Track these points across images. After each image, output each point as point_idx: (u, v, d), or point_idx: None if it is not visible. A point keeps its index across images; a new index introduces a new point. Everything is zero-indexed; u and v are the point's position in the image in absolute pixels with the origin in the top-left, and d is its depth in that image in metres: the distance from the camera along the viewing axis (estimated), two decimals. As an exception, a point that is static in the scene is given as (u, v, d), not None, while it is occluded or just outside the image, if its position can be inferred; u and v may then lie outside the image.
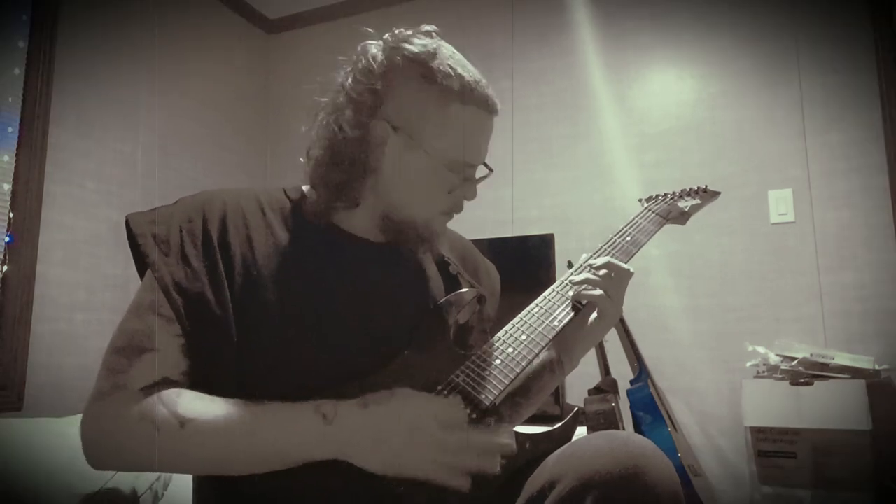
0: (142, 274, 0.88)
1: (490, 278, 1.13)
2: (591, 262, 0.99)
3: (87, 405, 0.80)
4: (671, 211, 1.18)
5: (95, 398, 0.79)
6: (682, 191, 1.25)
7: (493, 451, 0.75)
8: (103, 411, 0.78)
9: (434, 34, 0.91)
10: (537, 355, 0.88)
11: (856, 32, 2.35)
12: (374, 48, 0.91)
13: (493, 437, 0.76)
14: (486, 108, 0.90)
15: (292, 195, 0.97)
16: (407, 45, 0.88)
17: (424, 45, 0.88)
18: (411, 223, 0.92)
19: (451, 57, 0.89)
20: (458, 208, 0.95)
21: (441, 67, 0.87)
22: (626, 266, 0.97)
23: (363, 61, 0.90)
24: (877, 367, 2.07)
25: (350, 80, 0.91)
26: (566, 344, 1.01)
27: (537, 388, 1.02)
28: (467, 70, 0.89)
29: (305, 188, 0.98)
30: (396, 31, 0.91)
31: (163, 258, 0.84)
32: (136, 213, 0.89)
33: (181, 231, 0.86)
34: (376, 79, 0.88)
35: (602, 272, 0.96)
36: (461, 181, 0.92)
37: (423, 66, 0.87)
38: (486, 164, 0.94)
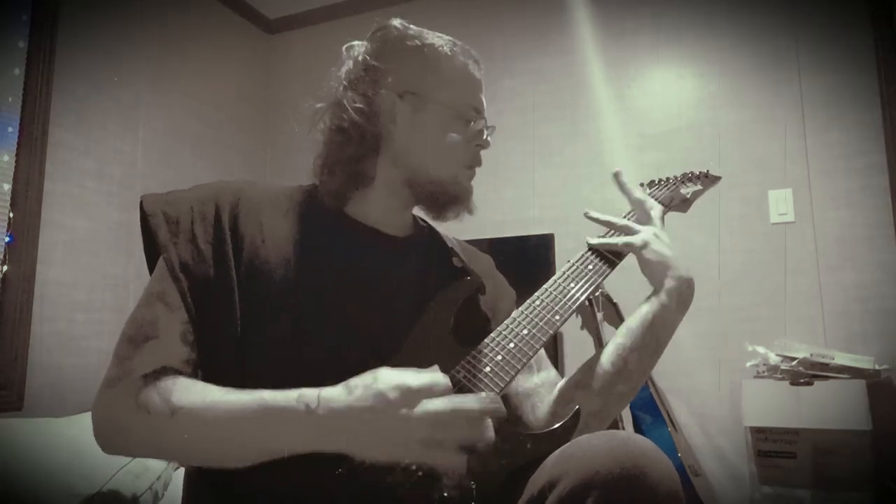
0: (150, 258, 0.89)
1: (508, 298, 1.13)
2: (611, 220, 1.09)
3: (98, 391, 0.81)
4: (673, 198, 1.16)
5: (105, 385, 0.81)
6: (683, 175, 1.21)
7: (484, 416, 0.70)
8: (110, 398, 0.80)
9: (405, 22, 0.99)
10: (538, 349, 0.88)
11: (856, 32, 2.35)
12: (357, 45, 0.99)
13: (482, 403, 0.71)
14: (472, 57, 0.99)
15: (306, 189, 0.99)
16: (386, 29, 0.97)
17: (400, 25, 0.97)
18: (439, 182, 0.95)
19: (423, 30, 0.98)
20: (478, 161, 0.99)
21: (422, 34, 0.96)
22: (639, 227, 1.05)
23: (352, 54, 0.97)
24: (877, 367, 2.07)
25: (344, 73, 0.96)
26: (654, 332, 1.00)
27: (664, 330, 1.01)
28: (441, 34, 0.98)
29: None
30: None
31: (171, 237, 0.85)
32: (151, 194, 0.90)
33: (192, 211, 0.88)
34: (369, 58, 0.95)
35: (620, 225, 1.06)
36: (475, 129, 0.97)
37: (406, 37, 0.95)
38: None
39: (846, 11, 2.37)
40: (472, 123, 0.97)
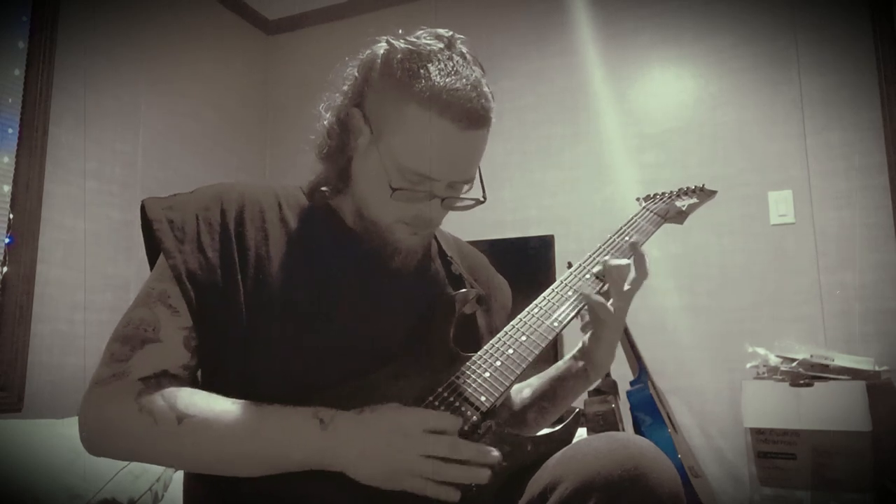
0: (152, 262, 0.88)
1: (502, 293, 1.12)
2: (610, 262, 0.95)
3: (86, 390, 0.80)
4: (669, 210, 1.17)
5: (95, 384, 0.80)
6: (679, 190, 1.25)
7: (480, 461, 0.74)
8: (102, 399, 0.78)
9: (445, 38, 0.87)
10: (536, 356, 0.88)
11: (856, 32, 2.35)
12: (380, 43, 0.89)
13: (480, 448, 0.75)
14: (457, 119, 0.81)
15: (308, 192, 0.97)
16: (399, 42, 0.86)
17: (416, 45, 0.85)
18: (376, 224, 0.89)
19: (441, 61, 0.83)
20: (422, 224, 0.88)
21: (413, 66, 0.82)
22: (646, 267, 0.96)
23: (364, 53, 0.90)
24: (877, 367, 2.07)
25: (348, 69, 0.91)
26: (589, 355, 0.99)
27: (563, 393, 1.01)
28: (449, 77, 0.82)
29: (324, 188, 0.98)
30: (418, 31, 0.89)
31: (178, 245, 0.84)
32: (153, 199, 0.88)
33: (198, 219, 0.86)
34: (360, 68, 0.89)
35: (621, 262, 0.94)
36: (417, 194, 0.85)
37: (399, 62, 0.83)
38: (483, 192, 0.90)
39: (846, 11, 2.37)
40: (425, 188, 0.84)
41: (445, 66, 0.83)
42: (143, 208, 0.87)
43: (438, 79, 0.81)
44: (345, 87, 0.91)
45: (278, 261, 0.86)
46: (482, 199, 0.90)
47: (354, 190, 0.91)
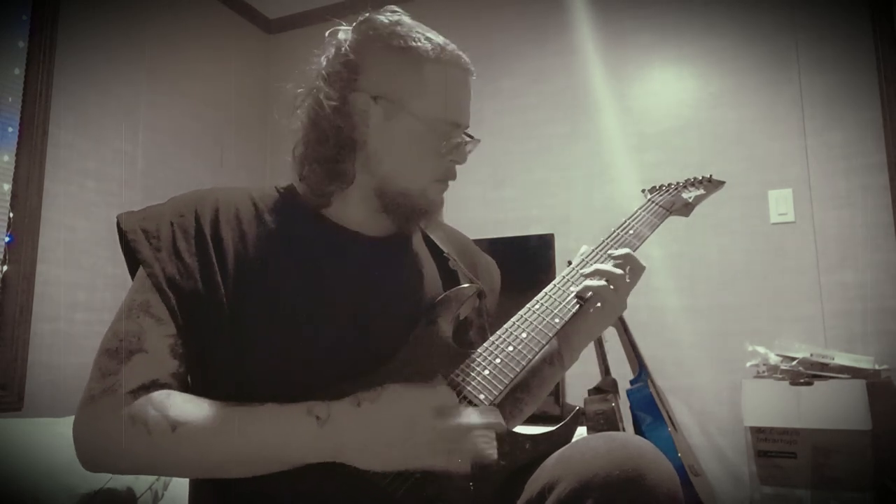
0: (134, 274, 0.88)
1: (490, 274, 1.11)
2: (610, 252, 0.98)
3: (78, 408, 0.80)
4: (675, 202, 1.16)
5: (87, 401, 0.79)
6: (686, 181, 1.22)
7: (487, 429, 0.74)
8: (94, 414, 0.78)
9: (398, 11, 0.94)
10: (538, 353, 0.88)
11: (856, 32, 2.35)
12: (342, 32, 0.95)
13: (484, 418, 0.75)
14: (460, 66, 0.91)
15: (284, 191, 0.97)
16: (371, 22, 0.92)
17: (389, 18, 0.92)
18: (407, 194, 0.91)
19: (416, 26, 0.92)
20: (452, 175, 0.94)
21: (409, 33, 0.90)
22: (642, 262, 0.96)
23: (334, 42, 0.94)
24: (877, 366, 2.07)
25: (324, 61, 0.94)
26: (567, 336, 1.00)
27: (538, 382, 1.02)
28: (434, 34, 0.92)
29: (297, 183, 0.97)
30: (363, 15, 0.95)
31: (154, 253, 0.84)
32: (127, 213, 0.88)
33: (172, 226, 0.86)
34: (349, 51, 0.91)
35: (614, 263, 0.95)
36: (450, 143, 0.91)
37: (392, 35, 0.90)
38: (469, 135, 0.95)
39: (846, 11, 2.37)
40: (451, 138, 0.91)
41: (423, 28, 0.92)
42: (118, 223, 0.87)
43: (432, 37, 0.91)
44: (319, 83, 0.93)
45: (259, 261, 0.86)
46: (476, 138, 0.96)
47: (377, 170, 0.91)
